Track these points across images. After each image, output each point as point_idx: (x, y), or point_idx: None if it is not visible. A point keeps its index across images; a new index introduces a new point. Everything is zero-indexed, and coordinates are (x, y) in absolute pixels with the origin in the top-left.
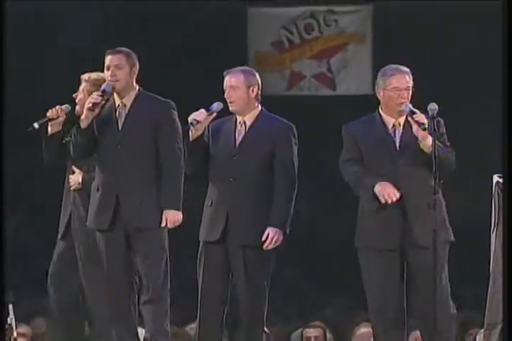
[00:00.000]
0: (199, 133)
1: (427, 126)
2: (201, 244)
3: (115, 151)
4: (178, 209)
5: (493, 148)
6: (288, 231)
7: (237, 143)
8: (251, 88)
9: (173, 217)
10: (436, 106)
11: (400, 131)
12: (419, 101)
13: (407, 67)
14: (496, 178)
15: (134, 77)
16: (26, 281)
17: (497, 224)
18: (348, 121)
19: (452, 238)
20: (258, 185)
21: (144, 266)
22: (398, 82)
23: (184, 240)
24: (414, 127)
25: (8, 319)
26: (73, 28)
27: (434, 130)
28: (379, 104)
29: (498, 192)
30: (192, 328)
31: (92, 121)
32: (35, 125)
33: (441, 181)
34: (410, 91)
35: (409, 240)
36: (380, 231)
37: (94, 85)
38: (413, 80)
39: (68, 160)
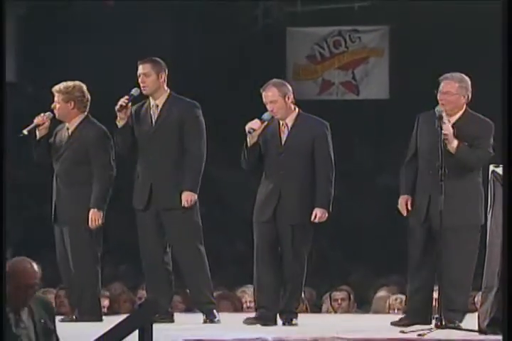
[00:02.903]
0: (255, 139)
1: (446, 136)
2: (255, 223)
3: (149, 144)
4: (194, 192)
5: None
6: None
7: (283, 142)
8: (286, 97)
9: (187, 197)
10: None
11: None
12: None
13: (418, 77)
14: (491, 168)
15: (163, 81)
16: (105, 252)
17: (492, 206)
18: (368, 122)
19: (482, 222)
20: (303, 175)
21: (175, 240)
22: (442, 86)
23: (236, 220)
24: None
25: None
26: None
27: (441, 129)
28: (395, 106)
29: (493, 179)
30: (241, 291)
31: (128, 120)
32: (25, 131)
33: (446, 171)
34: (448, 96)
35: (439, 220)
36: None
37: (67, 93)
38: (424, 88)
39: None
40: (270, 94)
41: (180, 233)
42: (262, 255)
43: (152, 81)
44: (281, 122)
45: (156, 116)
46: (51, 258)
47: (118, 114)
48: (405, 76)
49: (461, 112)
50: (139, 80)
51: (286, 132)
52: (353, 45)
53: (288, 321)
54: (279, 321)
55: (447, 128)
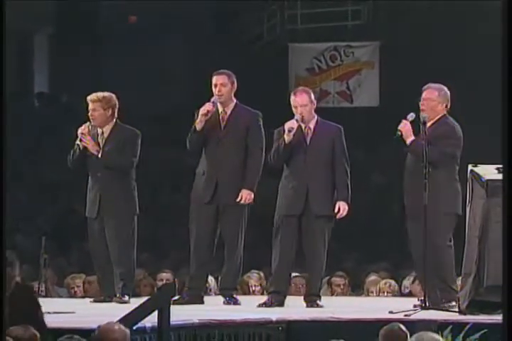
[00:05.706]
0: (291, 137)
1: (398, 132)
2: (283, 216)
3: (217, 146)
4: (252, 190)
5: (468, 143)
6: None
7: (308, 143)
8: (312, 103)
9: (245, 195)
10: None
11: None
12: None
13: (405, 87)
14: (470, 167)
15: (233, 92)
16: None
17: (470, 201)
18: (361, 126)
19: (457, 211)
20: (325, 171)
21: (228, 230)
22: (424, 94)
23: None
24: None
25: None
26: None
27: (425, 133)
28: (385, 113)
29: (471, 178)
30: (247, 277)
31: (205, 124)
32: (78, 142)
33: (429, 170)
34: (428, 102)
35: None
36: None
37: (107, 102)
38: (410, 97)
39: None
40: (301, 99)
41: (233, 226)
42: (285, 246)
43: (227, 91)
44: (303, 126)
45: (224, 122)
46: (80, 247)
47: (200, 117)
48: (393, 86)
49: (438, 117)
50: (215, 89)
51: (310, 134)
52: (347, 59)
53: (312, 303)
54: (289, 303)
55: (402, 126)
